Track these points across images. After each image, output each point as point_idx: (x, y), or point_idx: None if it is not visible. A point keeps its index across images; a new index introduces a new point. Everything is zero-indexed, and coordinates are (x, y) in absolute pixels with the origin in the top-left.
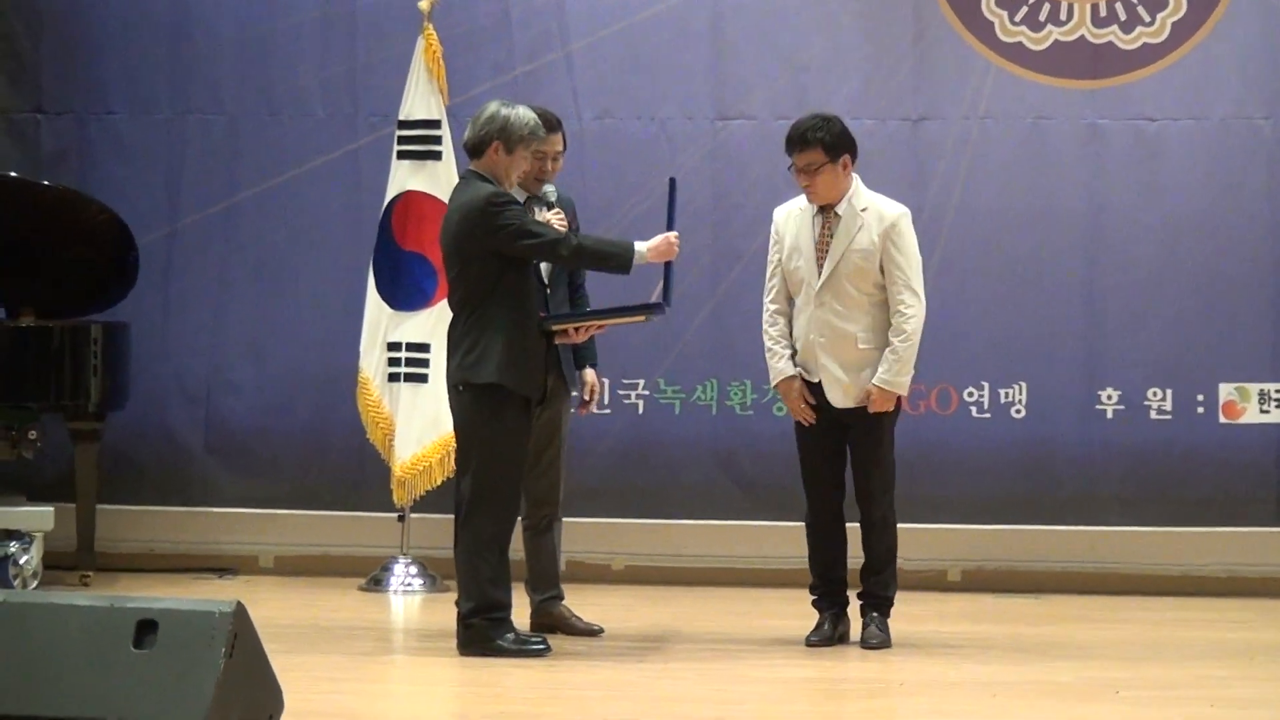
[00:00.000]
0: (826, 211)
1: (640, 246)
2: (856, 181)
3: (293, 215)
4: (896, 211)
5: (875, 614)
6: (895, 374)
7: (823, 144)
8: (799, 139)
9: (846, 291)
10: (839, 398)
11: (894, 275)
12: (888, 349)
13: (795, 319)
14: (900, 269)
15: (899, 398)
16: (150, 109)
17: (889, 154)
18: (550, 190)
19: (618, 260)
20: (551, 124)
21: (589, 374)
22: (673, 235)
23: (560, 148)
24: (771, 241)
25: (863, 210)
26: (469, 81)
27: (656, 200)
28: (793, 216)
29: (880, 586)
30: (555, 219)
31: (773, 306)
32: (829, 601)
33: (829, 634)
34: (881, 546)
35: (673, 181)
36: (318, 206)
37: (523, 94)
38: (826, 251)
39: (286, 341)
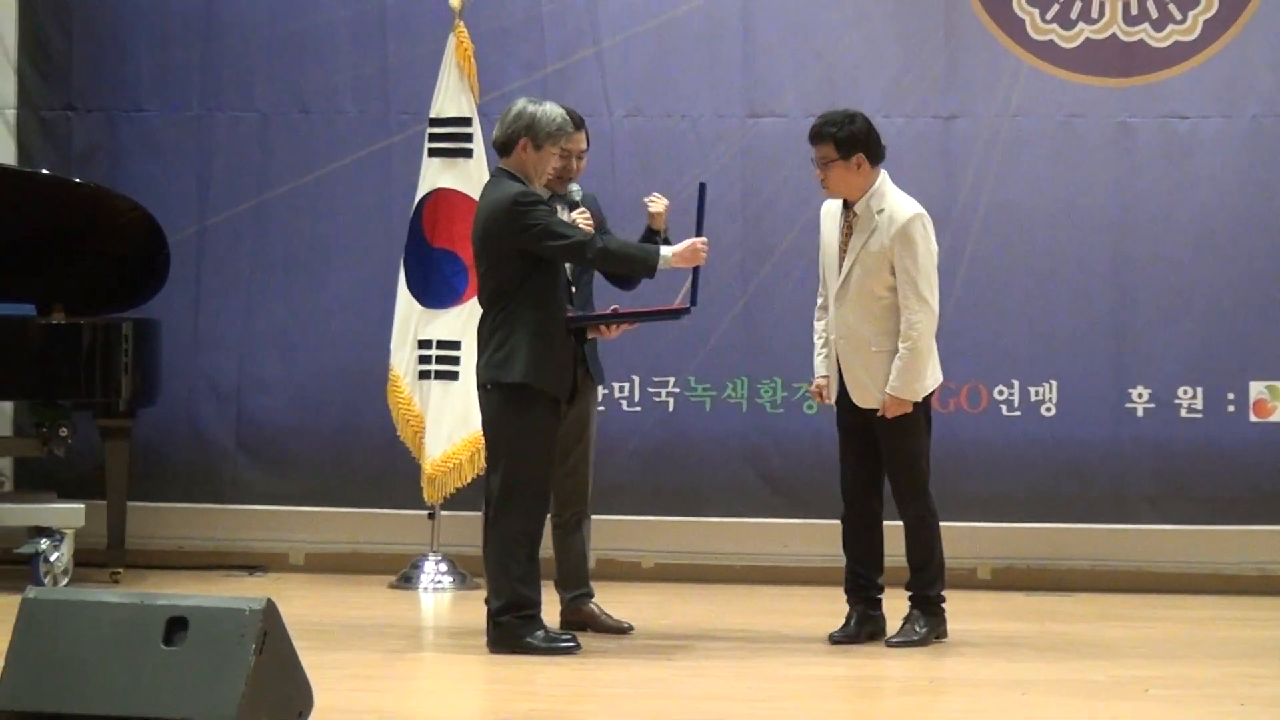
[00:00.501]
0: (848, 210)
1: (665, 251)
2: (882, 182)
3: (323, 213)
4: (909, 214)
5: (916, 612)
6: (904, 382)
7: (834, 139)
8: (815, 132)
9: (862, 291)
10: (861, 397)
11: (902, 280)
12: (895, 357)
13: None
14: (908, 273)
15: (929, 397)
16: (181, 106)
17: (920, 152)
18: (575, 189)
19: (643, 264)
20: (576, 122)
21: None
22: (699, 241)
23: (584, 146)
24: (820, 238)
25: (879, 212)
26: (500, 79)
27: (686, 199)
28: (830, 213)
29: (920, 585)
30: (581, 219)
31: (819, 301)
32: (855, 598)
33: (853, 632)
34: (918, 545)
35: (703, 186)
36: (349, 204)
37: (554, 92)
38: (846, 252)
39: (317, 339)
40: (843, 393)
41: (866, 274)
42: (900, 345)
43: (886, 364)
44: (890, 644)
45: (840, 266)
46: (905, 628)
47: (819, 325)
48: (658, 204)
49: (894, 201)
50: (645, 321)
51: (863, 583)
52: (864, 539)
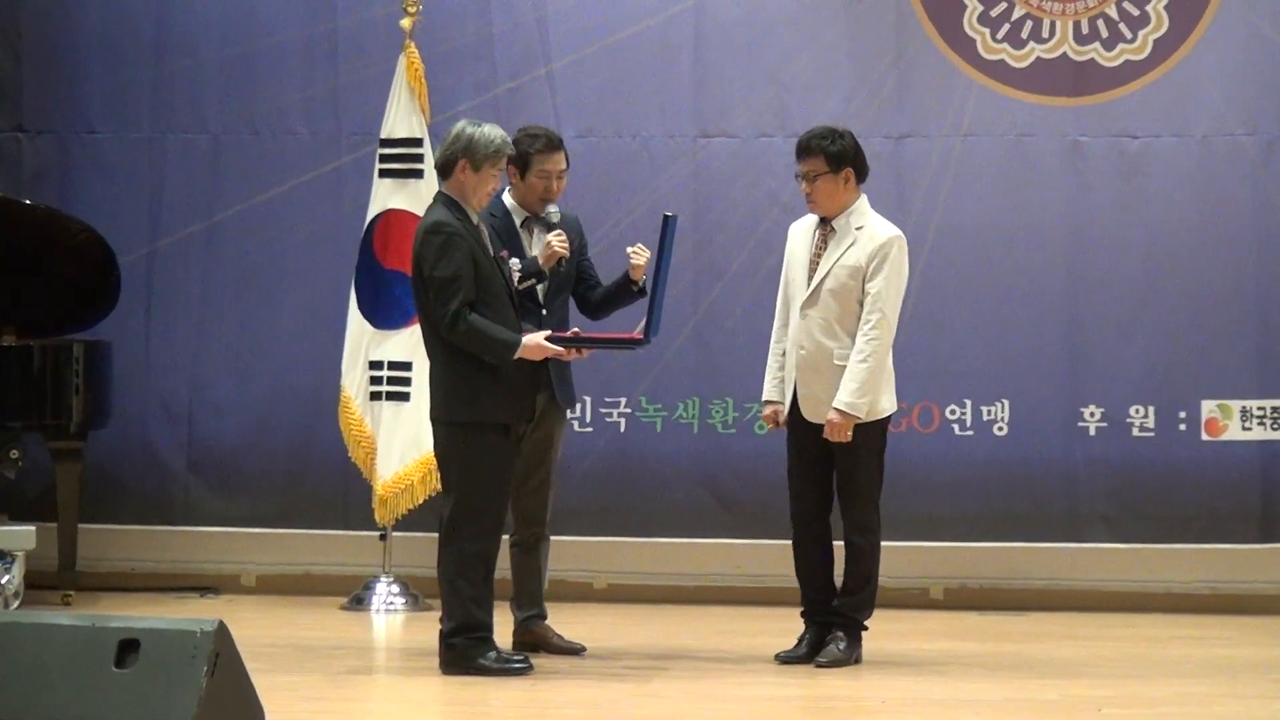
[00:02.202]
0: (825, 225)
1: (527, 340)
2: (861, 200)
3: (275, 234)
4: (890, 234)
5: (840, 634)
6: (853, 395)
7: (825, 152)
8: (804, 145)
9: (830, 306)
10: (813, 412)
11: (870, 296)
12: (847, 371)
13: (790, 332)
14: (879, 291)
15: (885, 422)
16: (132, 128)
17: (872, 171)
18: (554, 211)
19: (492, 354)
20: (554, 143)
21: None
22: (545, 337)
23: (563, 166)
24: (785, 257)
25: (858, 228)
26: (451, 100)
27: (638, 219)
28: (800, 230)
29: (852, 609)
30: (556, 240)
31: (778, 322)
32: (811, 620)
33: (802, 653)
34: (859, 569)
35: (672, 219)
36: (300, 225)
37: (505, 112)
38: (818, 265)
39: (268, 360)
40: (796, 411)
41: (838, 287)
42: (854, 358)
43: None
44: (820, 665)
45: (809, 280)
46: (832, 649)
47: (777, 347)
48: (640, 256)
49: (875, 220)
50: (602, 348)
51: (819, 605)
52: (818, 561)
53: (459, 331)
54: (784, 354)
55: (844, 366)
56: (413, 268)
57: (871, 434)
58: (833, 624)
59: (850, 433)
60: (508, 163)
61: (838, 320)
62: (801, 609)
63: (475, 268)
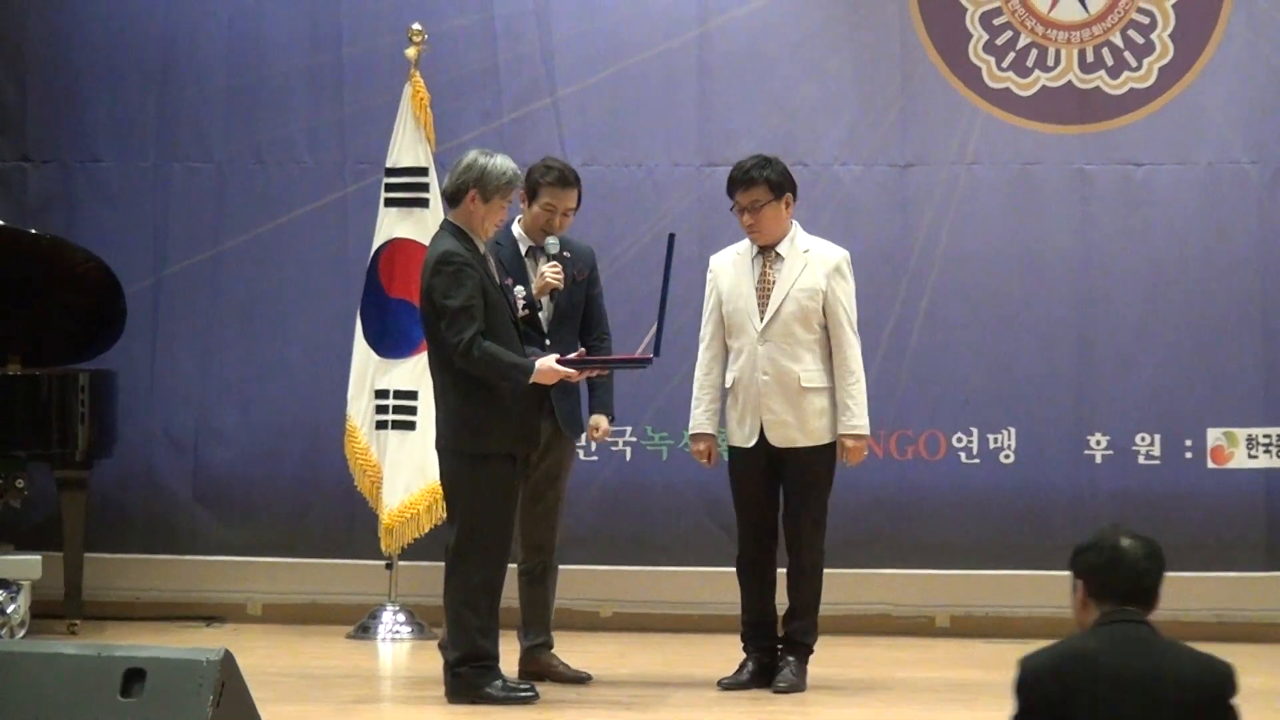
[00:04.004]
0: (766, 253)
1: (540, 365)
2: (796, 224)
3: (280, 263)
4: (840, 254)
5: (792, 659)
6: (858, 417)
7: (768, 181)
8: (743, 178)
9: (791, 332)
10: (781, 437)
11: (838, 315)
12: (843, 394)
13: (732, 363)
14: (844, 310)
15: (835, 445)
16: (137, 157)
17: (877, 200)
18: (553, 243)
19: (504, 380)
20: (567, 179)
21: (599, 420)
22: (556, 361)
23: (572, 205)
24: (708, 289)
25: (805, 251)
26: (457, 129)
27: (645, 246)
28: (730, 261)
29: (801, 633)
30: (550, 271)
31: (708, 354)
32: (754, 646)
33: (744, 680)
34: (809, 592)
35: (672, 238)
36: (305, 254)
37: (510, 141)
38: (769, 293)
39: (274, 389)
40: (762, 440)
41: (799, 310)
42: (844, 382)
43: (817, 400)
44: (779, 690)
45: (763, 310)
46: (788, 674)
47: (706, 380)
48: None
49: (818, 241)
50: (610, 368)
51: (764, 631)
52: (766, 587)
53: (473, 358)
54: (715, 386)
55: (810, 389)
56: (421, 297)
57: (831, 456)
58: (778, 650)
59: (865, 453)
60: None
61: (800, 344)
62: (744, 635)
63: (484, 296)
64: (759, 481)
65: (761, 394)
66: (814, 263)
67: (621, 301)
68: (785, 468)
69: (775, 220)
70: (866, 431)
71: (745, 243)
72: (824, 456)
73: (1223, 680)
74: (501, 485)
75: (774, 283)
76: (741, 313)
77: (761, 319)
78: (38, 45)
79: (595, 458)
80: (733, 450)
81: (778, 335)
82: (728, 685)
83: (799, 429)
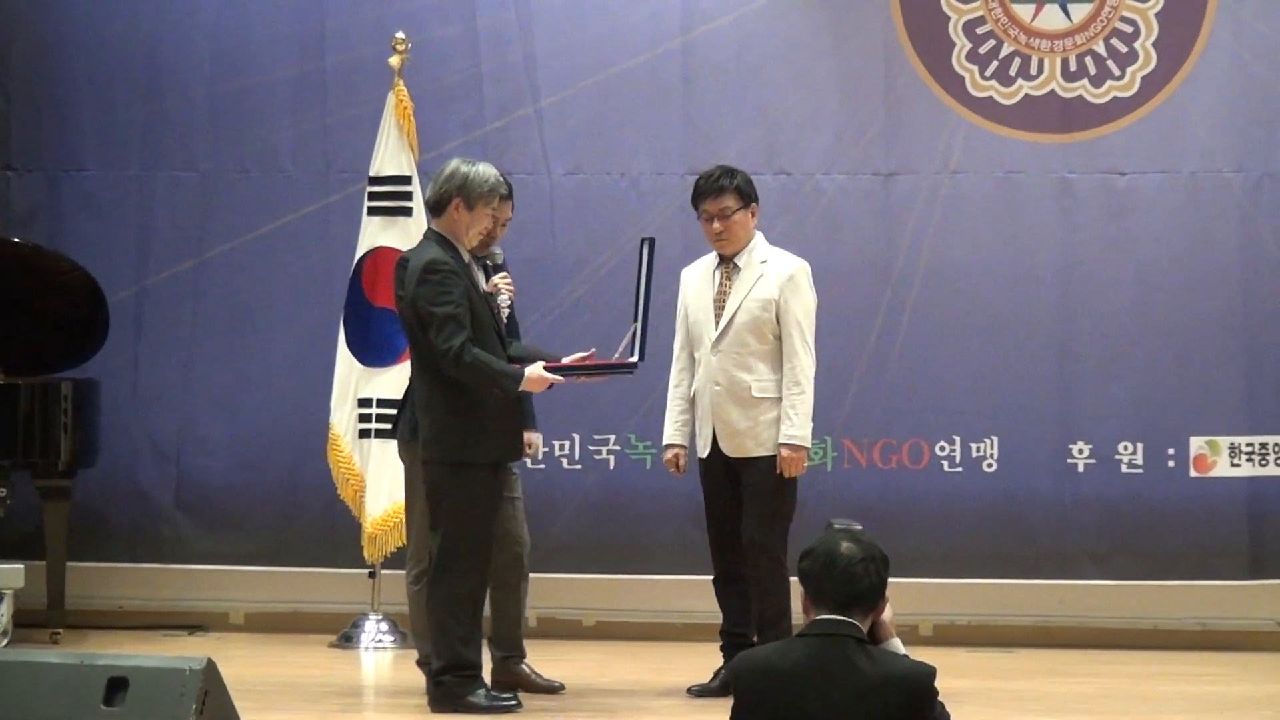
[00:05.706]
0: (727, 264)
1: (529, 372)
2: (758, 235)
3: (264, 272)
4: (796, 265)
5: None
6: (797, 427)
7: (737, 189)
8: (712, 186)
9: (744, 341)
10: (733, 447)
11: (789, 328)
12: (786, 404)
13: (696, 373)
14: (796, 322)
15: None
16: (121, 166)
17: (861, 208)
18: (498, 253)
19: (497, 387)
20: (508, 192)
21: (531, 436)
22: (545, 368)
23: (509, 215)
24: (679, 301)
25: (762, 262)
26: (440, 138)
27: (627, 255)
28: (696, 273)
29: (772, 640)
30: (503, 283)
31: (678, 365)
32: (731, 654)
33: (715, 686)
34: (776, 599)
35: (650, 242)
36: (289, 263)
37: (494, 150)
38: (725, 304)
39: (257, 398)
40: (715, 451)
41: (752, 322)
42: (788, 392)
43: (767, 410)
44: None
45: (717, 320)
46: None
47: (676, 391)
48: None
49: (776, 252)
50: (598, 374)
51: (739, 640)
52: (739, 596)
53: (464, 365)
54: (684, 398)
55: (763, 399)
56: (405, 305)
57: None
58: None
59: (804, 465)
60: None
61: (752, 354)
62: (721, 646)
63: (469, 305)
64: (722, 492)
65: (715, 403)
66: (770, 273)
67: (604, 311)
68: (742, 476)
69: (744, 228)
70: (806, 443)
71: (713, 255)
72: (778, 465)
73: (919, 694)
74: (484, 495)
75: (729, 293)
76: (700, 324)
77: (716, 329)
78: (22, 54)
79: (579, 466)
80: (699, 461)
81: (730, 345)
82: (698, 693)
83: (752, 438)
